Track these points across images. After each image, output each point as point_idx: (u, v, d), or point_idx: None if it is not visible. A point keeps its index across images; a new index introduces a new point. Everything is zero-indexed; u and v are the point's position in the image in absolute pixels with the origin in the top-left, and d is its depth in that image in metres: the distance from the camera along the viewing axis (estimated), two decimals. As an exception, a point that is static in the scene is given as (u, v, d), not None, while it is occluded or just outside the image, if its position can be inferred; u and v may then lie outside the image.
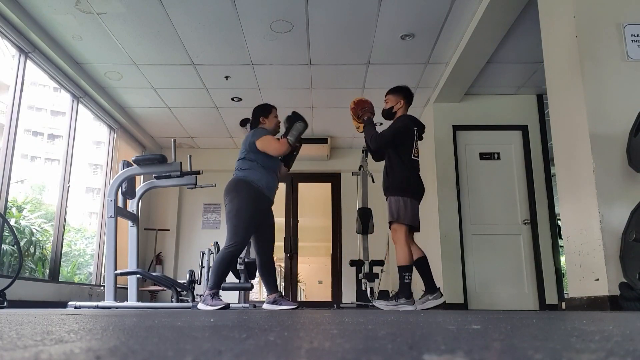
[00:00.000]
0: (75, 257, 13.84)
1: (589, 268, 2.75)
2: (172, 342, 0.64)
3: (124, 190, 4.43)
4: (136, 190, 4.69)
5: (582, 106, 2.83)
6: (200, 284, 5.02)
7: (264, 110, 3.79)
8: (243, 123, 3.87)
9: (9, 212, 4.26)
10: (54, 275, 4.98)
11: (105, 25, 4.31)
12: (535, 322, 1.29)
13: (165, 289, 5.68)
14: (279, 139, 3.60)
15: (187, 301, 4.42)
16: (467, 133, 5.57)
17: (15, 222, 8.42)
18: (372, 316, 1.76)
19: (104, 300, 4.07)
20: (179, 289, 4.55)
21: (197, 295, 4.88)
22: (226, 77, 5.29)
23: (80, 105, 5.41)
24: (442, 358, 0.47)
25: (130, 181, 4.50)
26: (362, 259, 5.52)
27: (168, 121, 6.49)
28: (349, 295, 6.76)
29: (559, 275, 5.17)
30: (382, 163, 3.85)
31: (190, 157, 4.74)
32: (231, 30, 4.39)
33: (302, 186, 7.53)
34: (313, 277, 15.06)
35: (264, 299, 3.89)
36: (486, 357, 0.49)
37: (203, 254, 5.19)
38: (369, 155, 5.73)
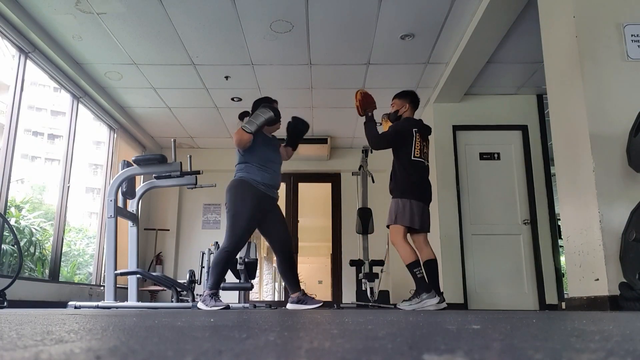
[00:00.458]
0: (75, 257, 13.84)
1: (589, 268, 2.75)
2: (172, 342, 0.64)
3: (124, 190, 4.43)
4: (136, 190, 4.69)
5: (582, 106, 2.83)
6: (200, 284, 5.02)
7: (262, 103, 3.67)
8: (241, 116, 3.76)
9: (8, 212, 4.26)
10: (54, 275, 4.98)
11: (105, 25, 4.31)
12: (535, 322, 1.29)
13: (165, 289, 5.68)
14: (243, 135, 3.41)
15: (187, 301, 4.42)
16: (467, 133, 5.57)
17: (15, 222, 8.42)
18: (372, 316, 1.76)
19: (104, 300, 4.07)
20: (179, 289, 4.55)
21: (197, 295, 4.88)
22: (226, 77, 5.29)
23: (80, 105, 5.41)
24: (442, 358, 0.47)
25: (130, 181, 4.50)
26: (362, 259, 5.52)
27: (168, 121, 6.49)
28: (349, 295, 6.76)
29: (559, 275, 5.17)
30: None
31: (190, 157, 4.74)
32: (231, 30, 4.39)
33: (302, 186, 7.53)
34: (313, 277, 15.08)
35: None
36: (486, 357, 0.49)
37: (203, 254, 5.19)
38: (369, 155, 5.76)
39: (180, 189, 7.16)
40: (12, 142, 4.18)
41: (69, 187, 5.21)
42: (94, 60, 4.93)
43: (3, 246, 4.66)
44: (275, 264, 15.34)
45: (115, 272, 4.09)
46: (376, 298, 5.38)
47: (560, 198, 3.15)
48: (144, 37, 4.50)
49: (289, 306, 3.64)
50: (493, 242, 5.27)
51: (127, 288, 4.72)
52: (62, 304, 4.33)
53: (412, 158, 3.59)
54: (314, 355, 0.50)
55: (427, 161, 3.73)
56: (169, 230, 7.21)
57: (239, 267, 5.23)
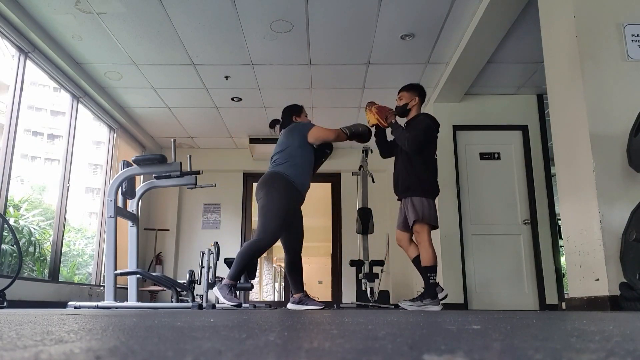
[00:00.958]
0: (74, 257, 13.83)
1: (589, 268, 2.75)
2: (172, 342, 0.64)
3: (124, 190, 4.43)
4: (136, 190, 4.69)
5: (582, 106, 2.83)
6: (200, 284, 5.02)
7: (296, 110, 3.81)
8: (272, 124, 3.87)
9: (6, 212, 4.26)
10: (54, 275, 4.98)
11: (105, 25, 4.31)
12: (535, 322, 1.29)
13: (165, 289, 5.68)
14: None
15: (187, 301, 4.41)
16: (467, 133, 5.57)
17: (14, 222, 8.42)
18: (372, 316, 1.76)
19: (103, 300, 4.07)
20: (178, 289, 4.55)
21: (197, 295, 4.88)
22: (226, 77, 5.29)
23: (80, 105, 5.41)
24: (442, 358, 0.47)
25: (130, 181, 4.49)
26: (362, 259, 5.52)
27: (168, 121, 6.49)
28: (349, 295, 6.77)
29: (559, 275, 5.17)
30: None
31: (190, 157, 4.74)
32: (231, 30, 4.39)
33: (302, 186, 7.52)
34: (313, 277, 15.08)
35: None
36: (486, 357, 0.49)
37: (203, 254, 5.19)
38: (369, 155, 5.76)
39: (180, 189, 7.16)
40: (12, 141, 4.18)
41: (68, 187, 5.20)
42: (94, 60, 4.93)
43: (3, 246, 4.66)
44: (275, 264, 15.36)
45: (115, 272, 4.09)
46: (376, 298, 5.39)
47: (560, 198, 3.15)
48: (144, 37, 4.50)
49: (290, 306, 3.64)
50: (493, 242, 5.27)
51: (127, 288, 4.71)
52: (62, 304, 4.33)
53: (434, 157, 3.64)
54: (314, 355, 0.50)
55: None
56: (168, 230, 7.21)
57: (238, 267, 5.23)
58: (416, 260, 3.60)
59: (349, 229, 6.96)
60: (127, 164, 4.44)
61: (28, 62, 4.39)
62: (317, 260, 14.48)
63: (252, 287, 4.96)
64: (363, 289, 5.48)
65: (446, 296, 3.59)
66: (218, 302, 5.61)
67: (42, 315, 1.77)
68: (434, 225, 3.58)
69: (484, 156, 5.51)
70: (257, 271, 3.74)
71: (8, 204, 4.43)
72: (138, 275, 4.52)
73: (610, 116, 2.78)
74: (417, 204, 3.51)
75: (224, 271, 5.55)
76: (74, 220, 17.00)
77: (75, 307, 3.79)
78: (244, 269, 3.44)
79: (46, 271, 5.54)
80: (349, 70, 5.14)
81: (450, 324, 1.17)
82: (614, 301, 2.53)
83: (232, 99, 5.85)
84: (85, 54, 4.81)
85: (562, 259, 4.02)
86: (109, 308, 3.84)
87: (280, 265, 14.58)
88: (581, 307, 2.81)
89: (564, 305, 4.19)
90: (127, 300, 4.55)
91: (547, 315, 2.08)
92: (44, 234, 9.31)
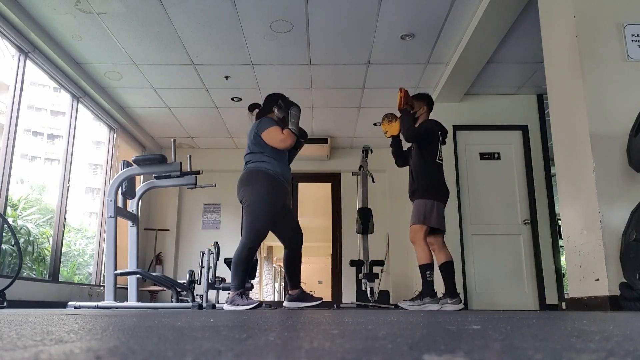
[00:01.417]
0: (74, 257, 13.83)
1: (589, 268, 2.75)
2: (172, 342, 0.64)
3: (124, 190, 4.43)
4: (136, 190, 4.69)
5: (582, 106, 2.83)
6: (200, 284, 5.02)
7: (278, 100, 3.64)
8: (252, 108, 3.73)
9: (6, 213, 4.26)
10: (54, 276, 4.98)
11: (105, 25, 4.31)
12: (535, 322, 1.29)
13: (165, 289, 5.68)
14: (282, 131, 3.44)
15: (187, 301, 4.41)
16: (467, 133, 5.56)
17: (13, 222, 8.42)
18: (372, 316, 1.76)
19: (103, 300, 4.07)
20: (179, 289, 4.55)
21: (197, 295, 4.88)
22: (226, 77, 5.29)
23: (80, 105, 5.41)
24: (442, 358, 0.47)
25: (130, 181, 4.49)
26: (362, 259, 5.52)
27: (168, 121, 6.49)
28: (349, 295, 6.77)
29: (559, 275, 5.17)
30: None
31: (190, 157, 4.74)
32: (231, 30, 4.39)
33: (302, 186, 7.52)
34: (313, 277, 15.08)
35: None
36: (486, 357, 0.49)
37: (203, 254, 5.19)
38: (369, 155, 5.76)
39: (180, 189, 7.16)
40: (12, 142, 4.18)
41: (68, 187, 5.20)
42: (94, 60, 4.93)
43: (2, 246, 4.66)
44: (275, 264, 15.36)
45: (115, 272, 4.09)
46: (376, 298, 5.38)
47: (560, 198, 3.15)
48: (144, 37, 4.50)
49: (287, 304, 3.54)
50: (493, 242, 5.26)
51: (127, 288, 4.71)
52: (62, 304, 4.33)
53: (437, 160, 3.70)
54: (314, 355, 0.50)
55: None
56: (168, 230, 7.21)
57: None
58: (443, 267, 3.63)
59: (349, 229, 6.96)
60: (127, 164, 4.44)
61: (28, 62, 4.39)
62: (317, 260, 14.48)
63: (252, 287, 4.96)
64: (363, 289, 5.48)
65: (462, 308, 3.66)
66: (218, 303, 5.61)
67: (42, 315, 1.77)
68: (440, 230, 3.64)
69: (484, 156, 5.51)
70: (257, 271, 3.69)
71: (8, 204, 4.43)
72: (138, 275, 4.52)
73: (610, 116, 2.77)
74: (419, 207, 3.61)
75: (224, 271, 5.56)
76: (74, 220, 17.00)
77: (75, 307, 3.79)
78: (244, 274, 3.34)
79: (45, 271, 5.54)
80: (349, 70, 5.14)
81: (450, 324, 1.17)
82: (614, 301, 2.53)
83: (232, 99, 5.85)
84: (85, 54, 4.81)
85: (562, 259, 4.02)
86: (109, 308, 3.84)
87: (280, 266, 14.57)
88: (581, 307, 2.81)
89: (564, 305, 4.19)
90: (127, 300, 4.55)
91: (547, 315, 2.08)
92: (44, 233, 9.31)
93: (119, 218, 4.30)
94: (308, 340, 0.70)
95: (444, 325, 1.09)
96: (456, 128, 5.57)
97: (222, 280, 5.27)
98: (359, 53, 4.79)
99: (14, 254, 7.86)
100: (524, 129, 5.53)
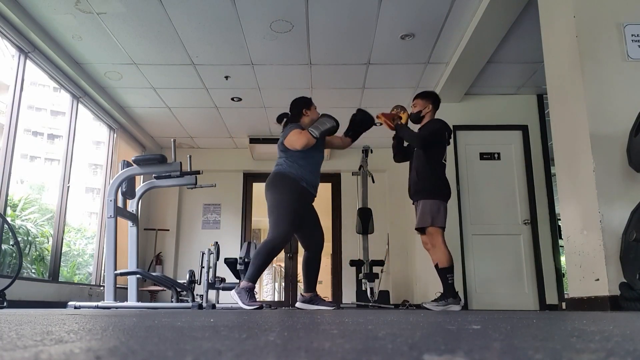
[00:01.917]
0: (74, 257, 13.83)
1: (589, 268, 2.75)
2: (172, 342, 0.64)
3: (124, 190, 4.43)
4: (136, 190, 4.69)
5: (582, 106, 2.83)
6: (200, 284, 5.02)
7: (306, 102, 3.71)
8: (280, 119, 3.78)
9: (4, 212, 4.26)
10: (54, 276, 4.98)
11: (105, 25, 4.31)
12: (535, 322, 1.29)
13: (165, 289, 5.68)
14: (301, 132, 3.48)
15: (187, 301, 4.41)
16: (467, 133, 5.56)
17: (12, 222, 8.42)
18: (372, 316, 1.76)
19: (103, 300, 4.07)
20: (179, 289, 4.55)
21: (197, 295, 4.88)
22: (226, 77, 5.29)
23: (80, 105, 5.41)
24: (442, 358, 0.47)
25: (130, 181, 4.49)
26: (362, 259, 5.52)
27: (168, 121, 6.49)
28: (349, 295, 6.77)
29: (559, 275, 5.17)
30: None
31: (190, 157, 4.74)
32: (231, 30, 4.39)
33: (302, 186, 7.51)
34: (313, 277, 15.03)
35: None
36: (486, 357, 0.49)
37: (203, 254, 5.19)
38: (369, 155, 5.76)
39: (180, 189, 7.16)
40: (12, 142, 4.18)
41: (68, 187, 5.20)
42: (94, 60, 4.93)
43: (2, 246, 4.66)
44: (275, 265, 15.35)
45: (115, 272, 4.09)
46: (376, 298, 5.39)
47: (560, 198, 3.15)
48: (144, 37, 4.50)
49: (299, 305, 3.60)
50: (493, 242, 5.26)
51: (127, 288, 4.71)
52: (62, 304, 4.33)
53: (443, 161, 3.69)
54: (314, 355, 0.50)
55: None
56: (168, 230, 7.21)
57: (238, 267, 5.23)
58: (437, 267, 3.65)
59: (349, 229, 6.97)
60: (127, 164, 4.44)
61: (28, 62, 4.39)
62: (317, 260, 14.42)
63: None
64: (363, 289, 5.48)
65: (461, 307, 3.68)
66: (218, 303, 5.61)
67: (42, 315, 1.77)
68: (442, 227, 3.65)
69: (484, 156, 5.50)
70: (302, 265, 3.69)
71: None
72: (138, 275, 4.52)
73: (610, 116, 2.77)
74: (426, 208, 3.60)
75: (224, 271, 5.57)
76: (74, 220, 17.00)
77: (75, 307, 3.79)
78: (262, 269, 3.40)
79: (45, 271, 5.54)
80: (349, 70, 5.14)
81: (450, 324, 1.17)
82: (614, 301, 2.53)
83: (232, 99, 5.85)
84: (85, 54, 4.81)
85: (562, 259, 4.02)
86: (109, 308, 3.84)
87: (280, 266, 14.56)
88: (581, 307, 2.81)
89: (564, 305, 4.19)
90: (127, 300, 4.55)
91: (547, 315, 2.08)
92: (43, 233, 9.31)
93: (119, 218, 4.30)
94: (308, 340, 0.70)
95: (444, 325, 1.09)
96: (456, 128, 5.56)
97: (222, 280, 5.27)
98: (359, 53, 4.79)
99: (14, 254, 7.86)
100: (524, 129, 5.53)
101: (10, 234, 3.98)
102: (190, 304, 4.10)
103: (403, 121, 3.87)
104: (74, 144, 5.26)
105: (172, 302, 4.56)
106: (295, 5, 4.02)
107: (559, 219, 4.70)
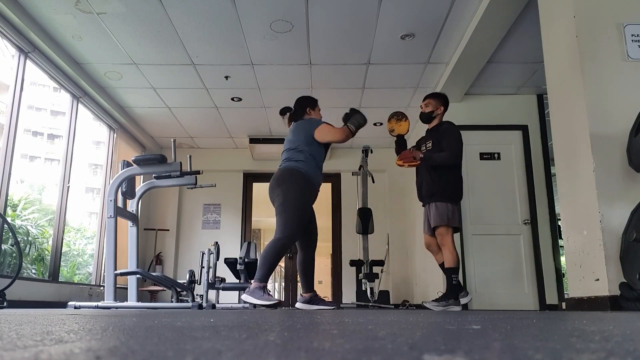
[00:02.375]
0: (74, 257, 13.83)
1: (589, 268, 2.75)
2: (172, 342, 0.64)
3: (124, 190, 4.43)
4: (136, 190, 4.69)
5: (582, 106, 2.83)
6: (200, 284, 5.02)
7: (312, 102, 3.72)
8: (283, 112, 3.76)
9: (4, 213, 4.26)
10: (54, 276, 4.98)
11: (105, 25, 4.31)
12: (535, 322, 1.29)
13: (165, 289, 5.68)
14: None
15: (187, 301, 4.41)
16: (467, 133, 5.52)
17: (12, 222, 8.42)
18: (372, 316, 1.76)
19: (103, 300, 4.07)
20: (179, 289, 4.55)
21: (197, 295, 4.88)
22: (226, 77, 5.29)
23: (80, 105, 5.41)
24: (442, 358, 0.47)
25: (130, 181, 4.49)
26: (362, 259, 5.52)
27: (168, 121, 6.49)
28: (349, 295, 6.77)
29: (559, 275, 5.17)
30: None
31: (190, 157, 4.74)
32: (231, 30, 4.39)
33: (302, 186, 7.51)
34: (313, 277, 15.04)
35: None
36: (486, 357, 0.49)
37: (203, 254, 5.19)
38: (369, 155, 5.76)
39: (180, 189, 7.16)
40: (12, 142, 4.18)
41: (68, 187, 5.20)
42: (94, 60, 4.93)
43: (2, 246, 4.66)
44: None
45: (115, 272, 4.09)
46: (376, 298, 5.39)
47: (560, 198, 3.15)
48: (144, 37, 4.50)
49: (299, 305, 3.57)
50: (493, 242, 5.26)
51: (127, 288, 4.71)
52: (62, 304, 4.33)
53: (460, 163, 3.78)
54: (314, 355, 0.50)
55: None
56: (168, 230, 7.21)
57: (238, 267, 5.23)
58: (443, 266, 3.70)
59: (349, 229, 6.96)
60: (127, 164, 4.44)
61: (28, 62, 4.39)
62: (317, 260, 14.43)
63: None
64: (363, 289, 5.48)
65: (470, 300, 3.73)
66: (218, 303, 5.61)
67: (42, 315, 1.77)
68: (457, 228, 3.72)
69: (484, 156, 5.50)
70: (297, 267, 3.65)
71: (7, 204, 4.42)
72: (138, 275, 4.52)
73: (610, 116, 2.77)
74: (440, 209, 3.66)
75: (224, 271, 5.57)
76: (74, 220, 17.00)
77: (75, 307, 3.79)
78: (272, 269, 3.33)
79: (45, 271, 5.54)
80: (349, 70, 5.14)
81: (450, 324, 1.17)
82: (614, 301, 2.53)
83: (232, 99, 5.85)
84: (85, 54, 4.81)
85: (562, 259, 4.02)
86: (109, 308, 3.84)
87: (280, 266, 14.55)
88: (581, 307, 2.81)
89: (564, 305, 4.19)
90: (127, 300, 4.55)
91: (547, 315, 2.08)
92: (43, 233, 9.31)
93: (119, 218, 4.30)
94: (308, 340, 0.70)
95: (444, 325, 1.09)
96: (456, 128, 5.57)
97: (222, 280, 5.27)
98: (359, 53, 4.79)
99: (14, 254, 7.87)
100: (524, 129, 5.53)
101: (10, 234, 3.98)
102: (190, 304, 4.10)
103: (403, 129, 3.93)
104: (74, 144, 5.26)
105: (172, 302, 4.56)
106: (295, 5, 4.02)
107: (559, 219, 4.70)
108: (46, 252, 8.42)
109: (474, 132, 5.56)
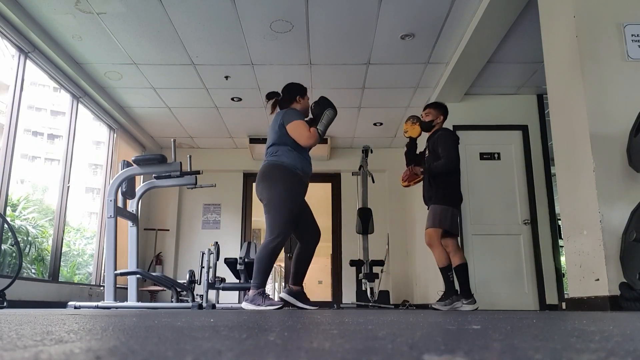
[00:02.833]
0: (74, 257, 13.82)
1: (589, 268, 2.75)
2: (172, 342, 0.64)
3: (124, 190, 4.43)
4: (136, 190, 4.69)
5: (582, 106, 2.83)
6: (200, 284, 5.02)
7: (302, 90, 3.52)
8: (270, 96, 3.54)
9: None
10: (54, 276, 4.98)
11: (105, 25, 4.31)
12: (535, 322, 1.29)
13: (165, 289, 5.68)
14: (309, 128, 3.32)
15: (187, 301, 4.41)
16: (467, 133, 5.55)
17: (11, 222, 8.42)
18: (372, 316, 1.76)
19: (103, 300, 4.07)
20: (178, 289, 4.55)
21: (197, 295, 4.88)
22: (226, 77, 5.29)
23: (80, 105, 5.41)
24: (442, 358, 0.47)
25: (130, 181, 4.49)
26: (362, 259, 5.52)
27: (168, 121, 6.49)
28: (349, 295, 6.77)
29: (559, 275, 5.17)
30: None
31: (190, 157, 4.74)
32: (231, 30, 4.39)
33: (302, 186, 7.51)
34: (313, 277, 15.06)
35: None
36: (486, 357, 0.49)
37: (203, 254, 5.19)
38: (369, 155, 5.76)
39: (180, 189, 7.16)
40: (12, 142, 4.18)
41: (68, 187, 5.20)
42: (94, 60, 4.93)
43: (2, 246, 4.66)
44: (275, 265, 15.34)
45: (115, 272, 4.09)
46: (376, 298, 5.39)
47: (560, 198, 3.15)
48: (144, 37, 4.50)
49: (284, 295, 3.38)
50: (493, 242, 5.26)
51: (127, 288, 4.72)
52: (62, 304, 4.33)
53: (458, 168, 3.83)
54: (314, 355, 0.50)
55: None
56: (168, 230, 7.21)
57: (238, 267, 5.23)
58: (457, 269, 3.75)
59: (349, 229, 6.96)
60: (127, 164, 4.44)
61: (28, 62, 4.39)
62: (317, 260, 14.38)
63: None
64: (363, 289, 5.48)
65: (477, 308, 3.77)
66: (218, 303, 5.61)
67: (42, 315, 1.77)
68: (452, 232, 3.76)
69: (484, 156, 5.50)
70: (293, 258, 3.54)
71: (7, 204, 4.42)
72: (138, 275, 4.52)
73: (610, 116, 2.77)
74: (435, 211, 3.75)
75: (224, 271, 5.56)
76: (74, 220, 16.99)
77: (75, 307, 3.79)
78: (267, 273, 3.22)
79: (46, 271, 5.54)
80: (349, 70, 5.14)
81: (450, 324, 1.17)
82: (614, 301, 2.53)
83: (232, 99, 5.85)
84: (85, 54, 4.81)
85: (562, 259, 4.03)
86: (109, 308, 3.84)
87: (280, 265, 14.57)
88: (581, 307, 2.81)
89: (564, 305, 4.19)
90: (127, 300, 4.55)
91: (547, 315, 2.08)
92: (43, 233, 9.30)
93: (119, 218, 4.30)
94: (308, 340, 0.70)
95: (444, 325, 1.09)
96: (456, 128, 5.55)
97: (222, 280, 5.27)
98: (359, 53, 4.79)
99: (14, 254, 7.87)
100: (524, 129, 5.53)
101: (10, 234, 3.98)
102: (190, 304, 4.10)
103: (415, 133, 4.00)
104: (74, 144, 5.26)
105: (172, 302, 4.56)
106: (295, 5, 4.02)
107: (559, 219, 4.70)
108: (46, 252, 8.41)
109: (474, 132, 5.56)
